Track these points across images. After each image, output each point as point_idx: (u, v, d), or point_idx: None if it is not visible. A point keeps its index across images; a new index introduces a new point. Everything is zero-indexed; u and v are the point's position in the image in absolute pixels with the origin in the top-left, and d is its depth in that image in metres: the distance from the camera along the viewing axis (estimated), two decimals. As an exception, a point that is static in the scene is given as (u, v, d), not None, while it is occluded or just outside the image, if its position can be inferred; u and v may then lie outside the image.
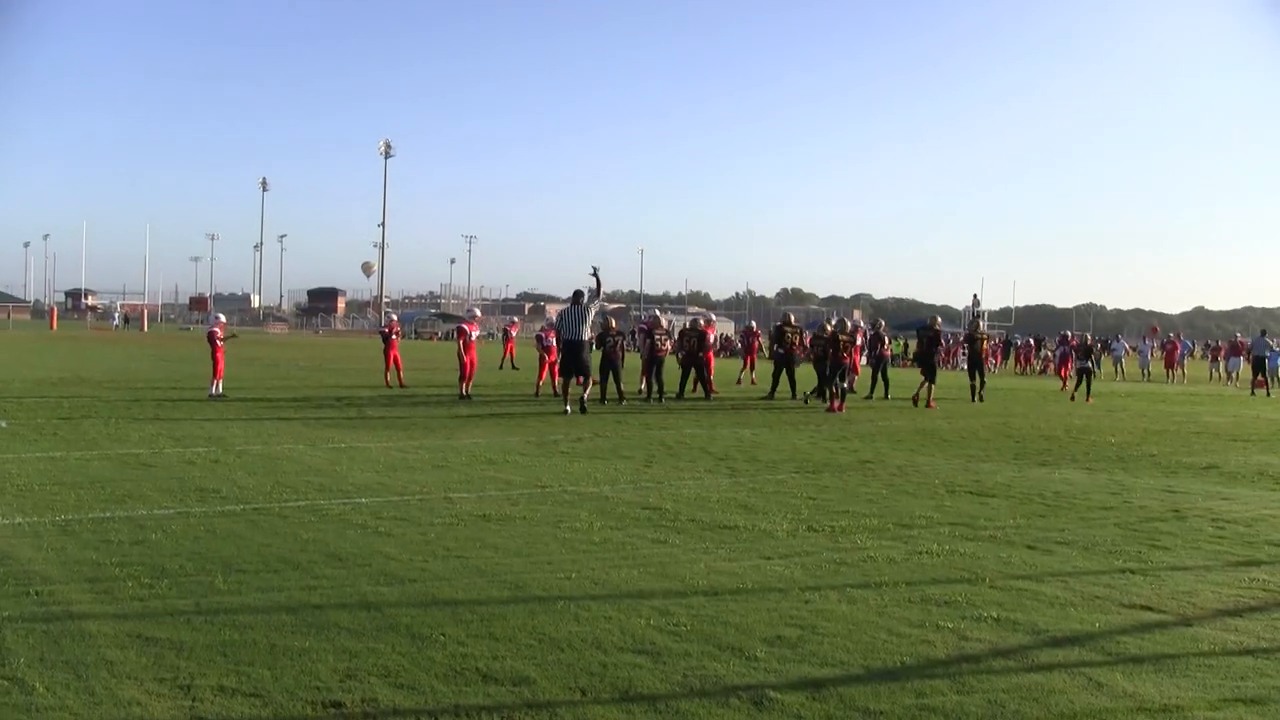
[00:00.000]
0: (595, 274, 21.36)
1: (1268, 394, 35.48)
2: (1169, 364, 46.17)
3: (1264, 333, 39.65)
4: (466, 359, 24.99)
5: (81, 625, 6.31)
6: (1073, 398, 30.21)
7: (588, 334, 21.15)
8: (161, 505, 10.15)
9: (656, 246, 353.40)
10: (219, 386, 23.18)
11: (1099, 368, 33.43)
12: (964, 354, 57.75)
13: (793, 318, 29.21)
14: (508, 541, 8.84)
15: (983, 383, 28.71)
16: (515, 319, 40.92)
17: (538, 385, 26.77)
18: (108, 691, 5.29)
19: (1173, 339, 48.89)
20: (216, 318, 25.83)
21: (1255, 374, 36.59)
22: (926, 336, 27.72)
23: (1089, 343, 33.87)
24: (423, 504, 10.56)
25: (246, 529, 9.11)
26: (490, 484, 11.99)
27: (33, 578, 7.32)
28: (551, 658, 5.93)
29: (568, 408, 20.69)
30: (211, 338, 23.79)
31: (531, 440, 16.37)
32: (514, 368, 36.47)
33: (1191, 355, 46.63)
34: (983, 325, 30.96)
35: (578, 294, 20.98)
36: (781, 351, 27.81)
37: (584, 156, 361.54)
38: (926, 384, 26.14)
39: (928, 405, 25.46)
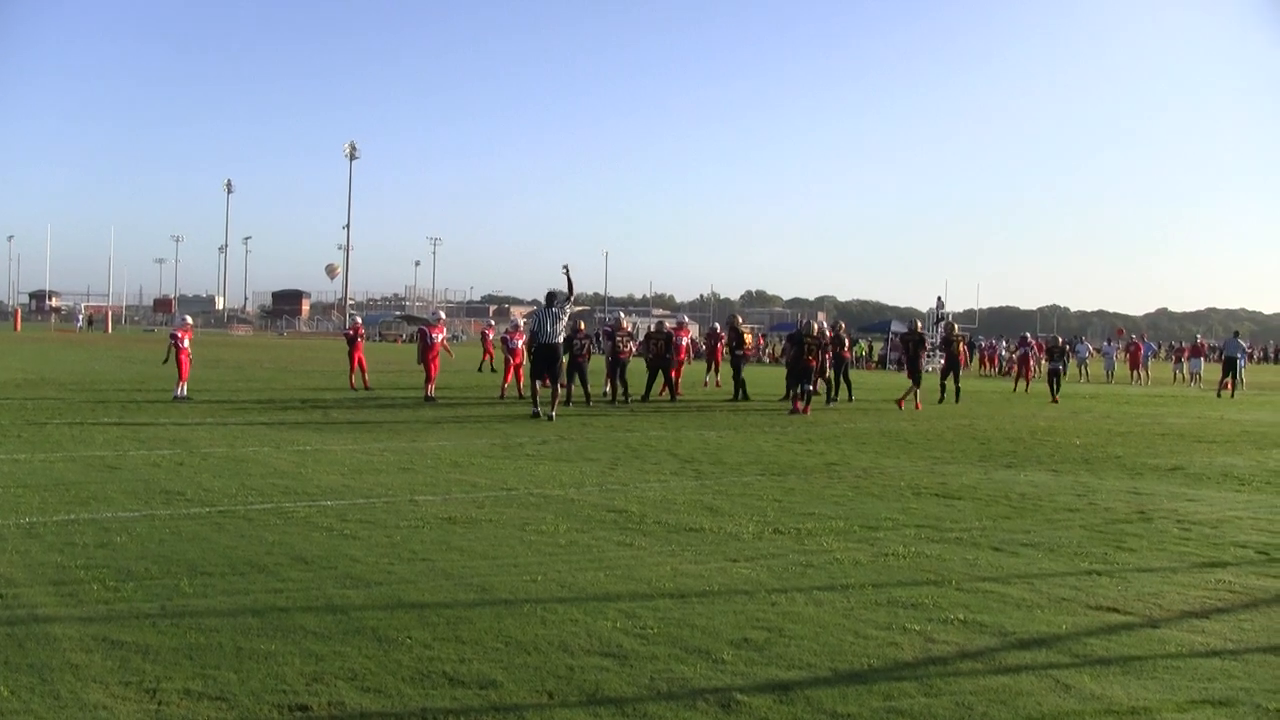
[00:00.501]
0: (566, 273, 20.71)
1: (1233, 395, 35.74)
2: (1133, 365, 46.47)
3: (1236, 334, 39.79)
4: (430, 362, 24.95)
5: (46, 629, 6.24)
6: (1055, 399, 30.54)
7: (562, 336, 20.83)
8: (127, 508, 10.05)
9: (621, 249, 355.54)
10: (184, 389, 23.00)
11: (1065, 369, 33.58)
12: (929, 356, 58.36)
13: (739, 320, 29.55)
14: (474, 544, 8.81)
15: (958, 385, 28.83)
16: (491, 322, 40.67)
17: (503, 388, 26.67)
18: (73, 695, 5.23)
19: (1136, 340, 49.21)
20: (184, 320, 25.66)
21: (1225, 374, 36.84)
22: (913, 340, 27.76)
23: (1060, 344, 34.06)
24: (388, 507, 10.51)
25: (212, 531, 9.04)
26: (456, 486, 11.94)
27: (-6, 581, 7.24)
28: (518, 661, 5.90)
29: (538, 409, 20.26)
30: (174, 339, 23.60)
31: (497, 443, 16.33)
32: (493, 370, 36.32)
33: (1155, 356, 46.88)
34: (957, 328, 30.81)
35: (551, 295, 20.62)
36: (740, 353, 27.98)
37: (548, 159, 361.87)
38: (913, 387, 26.35)
39: (915, 407, 25.70)
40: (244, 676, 5.54)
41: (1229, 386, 36.36)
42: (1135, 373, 46.03)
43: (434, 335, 25.47)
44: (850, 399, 27.98)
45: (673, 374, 26.68)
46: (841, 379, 28.30)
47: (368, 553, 8.36)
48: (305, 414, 20.50)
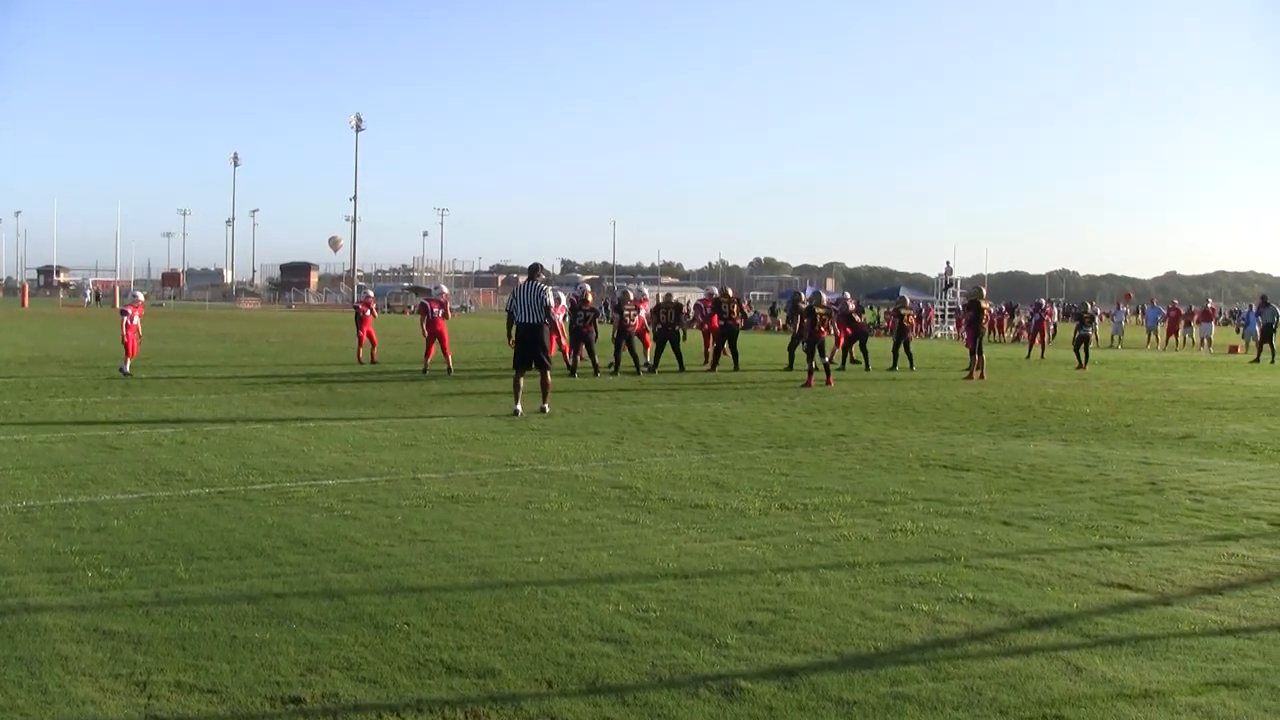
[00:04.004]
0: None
1: (1273, 360, 35.08)
2: (1172, 330, 45.90)
3: (1266, 299, 38.62)
4: (433, 334, 24.82)
5: (37, 619, 6.13)
6: (1081, 365, 30.08)
7: (545, 316, 17.09)
8: (125, 490, 9.95)
9: (629, 218, 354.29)
10: (129, 364, 22.86)
11: (1095, 335, 33.04)
12: (941, 321, 58.24)
13: (730, 291, 29.65)
14: (475, 524, 8.69)
15: (982, 355, 28.40)
16: (561, 296, 38.99)
17: (424, 365, 25.50)
18: (61, 689, 5.12)
19: (1175, 305, 48.67)
20: (134, 296, 25.60)
21: (1264, 340, 36.22)
22: (975, 310, 26.80)
23: (1089, 309, 33.37)
24: (390, 485, 10.40)
25: (210, 514, 8.93)
26: (459, 463, 11.84)
27: (-13, 569, 7.14)
28: (518, 647, 5.78)
29: (518, 406, 16.80)
30: (124, 314, 23.48)
31: (502, 417, 16.22)
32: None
33: (1163, 320, 46.37)
34: (984, 290, 29.37)
35: (534, 268, 17.67)
36: (723, 322, 27.88)
37: (555, 128, 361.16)
38: (982, 355, 26.16)
39: (979, 377, 25.59)
40: (237, 667, 5.43)
41: (1270, 352, 35.57)
42: (1173, 339, 45.60)
43: (435, 309, 25.29)
44: (867, 368, 28.23)
45: (706, 345, 27.46)
46: (903, 349, 29.02)
47: (368, 534, 8.25)
48: (310, 389, 20.41)
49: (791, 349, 27.63)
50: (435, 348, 24.98)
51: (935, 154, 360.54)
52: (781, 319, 57.99)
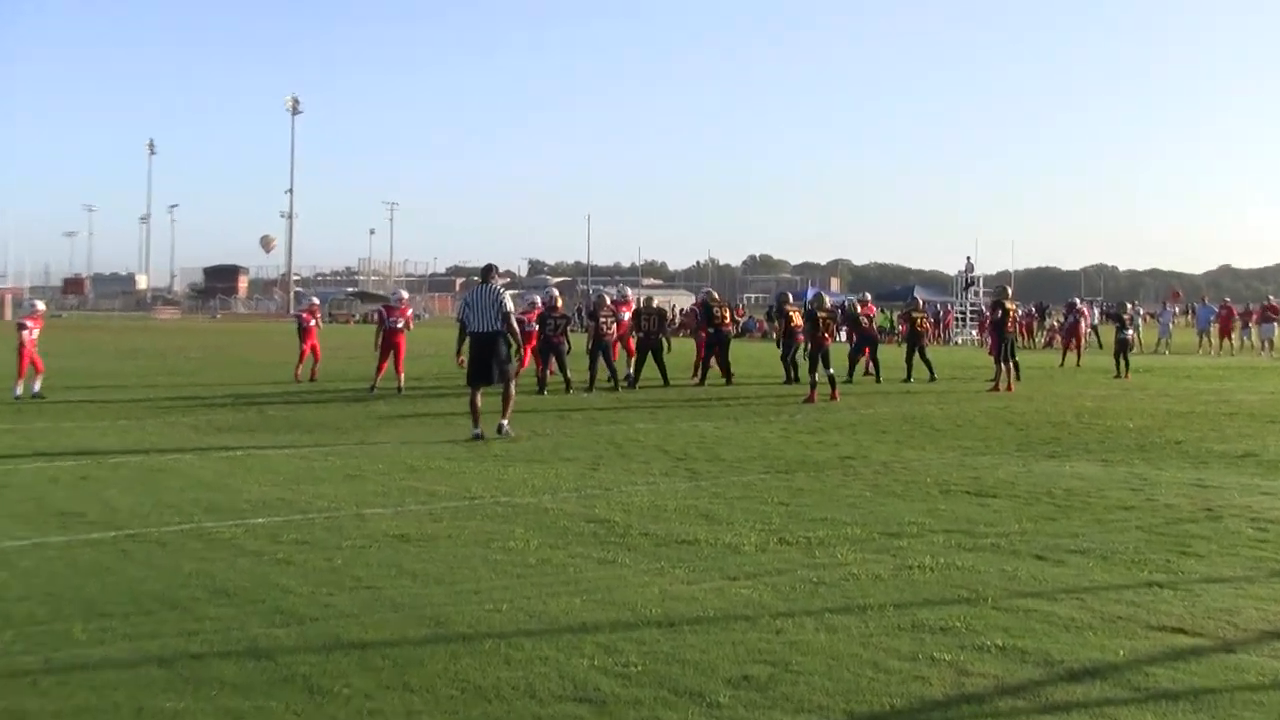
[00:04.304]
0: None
1: None
2: (1225, 332, 45.59)
3: None
4: (388, 348, 24.77)
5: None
6: (1120, 375, 29.80)
7: (501, 322, 16.70)
8: (13, 535, 9.80)
9: (606, 212, 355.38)
10: (33, 385, 22.70)
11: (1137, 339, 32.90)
12: (961, 325, 58.33)
13: (715, 294, 29.84)
14: (429, 567, 8.61)
15: (1016, 363, 28.33)
16: (536, 299, 38.25)
17: (373, 383, 25.22)
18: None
19: (1228, 304, 48.50)
20: (32, 306, 25.52)
21: None
22: (1002, 311, 26.64)
23: (1130, 308, 33.31)
24: (330, 523, 10.31)
25: (116, 561, 8.82)
26: (411, 496, 11.77)
27: None
28: (477, 712, 5.70)
29: (478, 430, 16.60)
30: (22, 328, 23.23)
31: (460, 442, 16.15)
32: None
33: (1215, 321, 46.27)
34: (1009, 289, 28.91)
35: (488, 270, 17.57)
36: (712, 330, 27.94)
37: (521, 112, 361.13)
38: (1008, 365, 26.06)
39: (1007, 389, 25.52)
40: (146, 742, 5.33)
41: None
42: (1226, 341, 45.38)
43: (394, 319, 25.23)
44: (878, 380, 28.29)
45: (700, 356, 27.93)
46: (919, 357, 28.82)
47: (303, 581, 8.16)
48: (238, 412, 20.33)
49: (786, 359, 27.73)
50: (388, 364, 24.94)
51: (953, 137, 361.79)
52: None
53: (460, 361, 16.87)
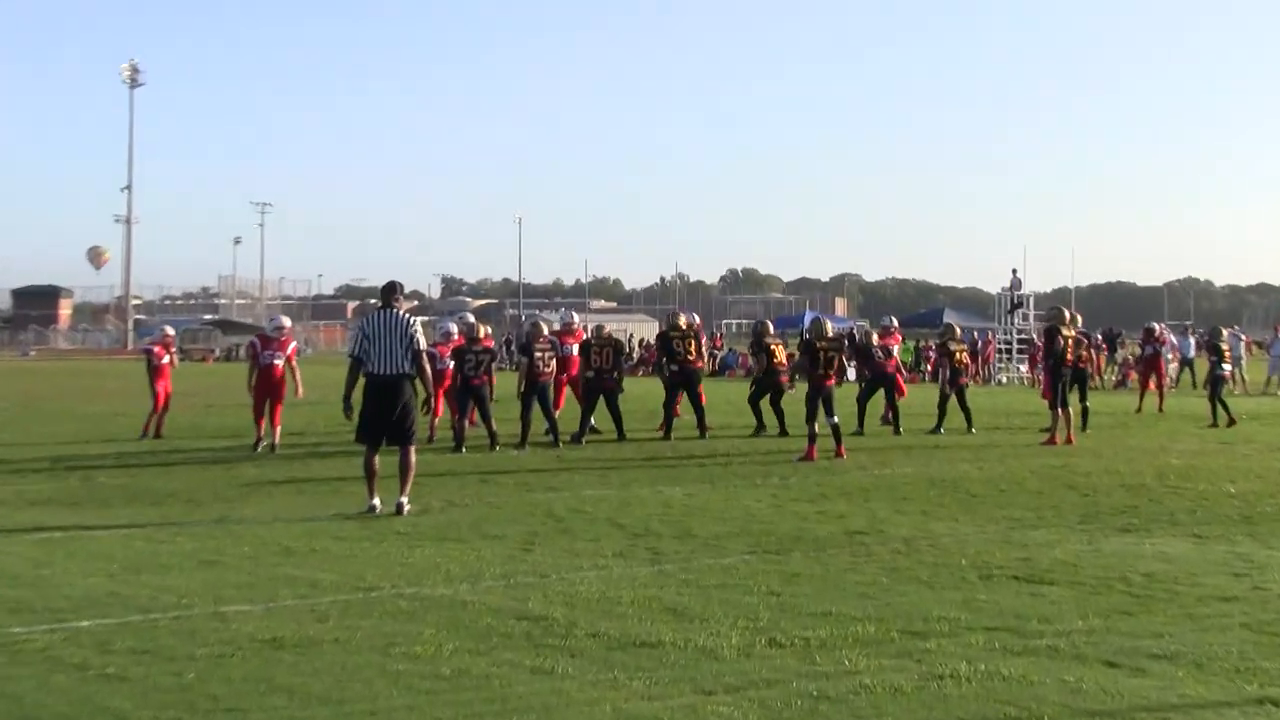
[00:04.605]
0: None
1: None
2: None
3: None
4: (267, 391, 24.69)
5: None
6: (1217, 423, 30.01)
7: (409, 361, 16.63)
8: None
9: (542, 215, 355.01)
10: None
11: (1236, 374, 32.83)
12: (1003, 362, 58.52)
13: (684, 317, 29.92)
14: (310, 681, 8.60)
15: (1085, 408, 28.60)
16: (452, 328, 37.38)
17: (256, 438, 25.36)
18: None
19: None
20: None
21: None
22: (1058, 339, 26.53)
23: (1226, 337, 32.89)
24: (179, 625, 10.28)
25: (-110, 681, 8.76)
26: (286, 587, 11.76)
27: None
28: None
29: (375, 500, 16.49)
30: None
31: (352, 516, 16.14)
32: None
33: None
34: (1067, 313, 28.42)
35: (391, 289, 17.16)
36: (675, 368, 27.86)
37: (434, 83, 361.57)
38: (1068, 410, 26.15)
39: (1068, 440, 25.63)
40: None
41: None
42: None
43: (271, 354, 25.14)
44: (897, 431, 28.50)
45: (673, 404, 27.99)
46: (955, 401, 28.90)
47: (142, 704, 8.12)
48: (56, 480, 20.30)
49: (756, 401, 28.24)
50: (268, 411, 24.93)
51: (992, 119, 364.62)
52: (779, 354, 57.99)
53: (350, 414, 16.61)
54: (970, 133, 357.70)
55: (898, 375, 31.18)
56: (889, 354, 30.70)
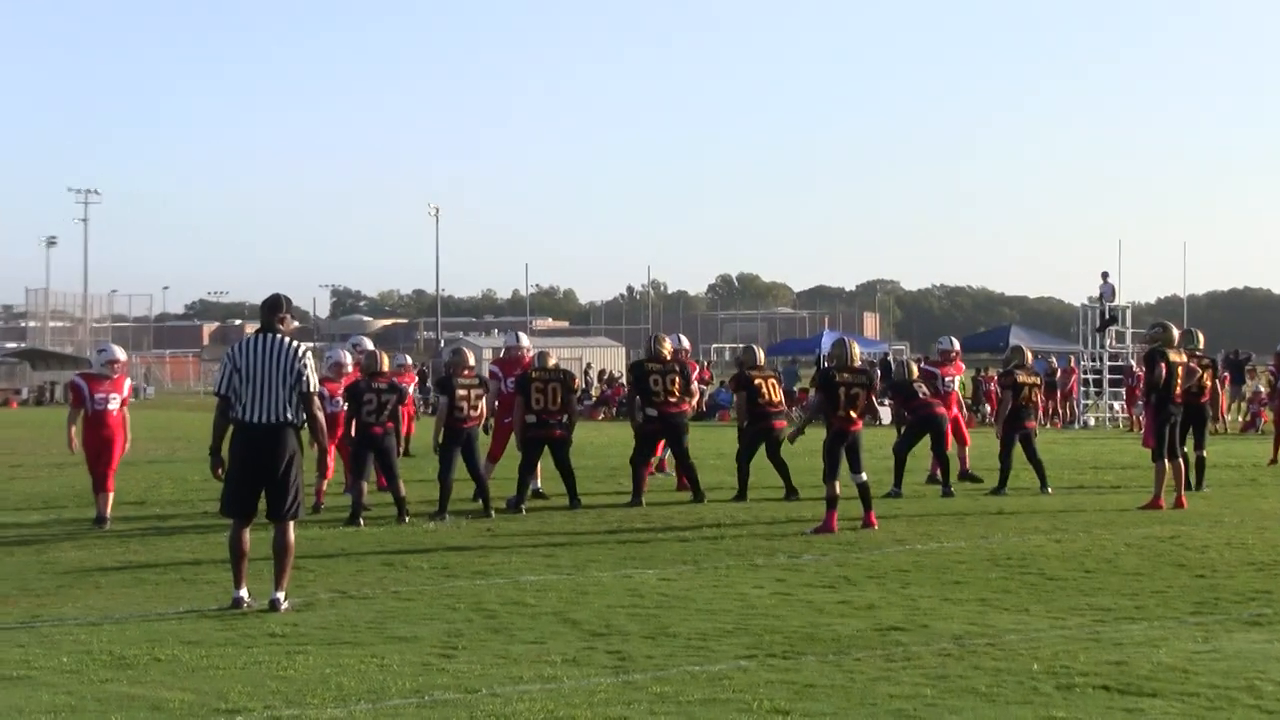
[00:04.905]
0: None
1: None
2: None
3: None
4: (100, 445, 24.60)
5: None
6: None
7: (294, 405, 16.47)
8: None
9: (466, 207, 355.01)
10: None
11: None
12: (1095, 392, 58.47)
13: (668, 344, 29.34)
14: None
15: (1201, 458, 28.86)
16: (406, 359, 37.42)
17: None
18: None
19: None
20: None
21: None
22: (1161, 363, 26.23)
23: None
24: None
25: None
26: (120, 711, 11.71)
27: None
28: None
29: (242, 592, 16.44)
30: None
31: (211, 612, 16.15)
32: (408, 454, 34.79)
33: None
34: (1176, 331, 27.77)
35: (274, 305, 16.91)
36: (652, 413, 27.67)
37: (313, 33, 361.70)
38: (1176, 461, 26.26)
39: (1176, 503, 25.71)
40: None
41: None
42: None
43: (105, 396, 24.97)
44: (947, 489, 28.68)
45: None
46: (1023, 451, 29.10)
47: None
48: None
49: (744, 459, 28.51)
50: (105, 468, 24.72)
51: (1074, 81, 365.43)
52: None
53: (219, 472, 16.51)
54: (1040, 91, 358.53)
55: (958, 417, 31.21)
56: (947, 388, 30.81)
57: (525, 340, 31.31)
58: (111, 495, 24.82)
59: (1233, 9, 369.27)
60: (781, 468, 27.74)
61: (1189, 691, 12.00)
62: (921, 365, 32.66)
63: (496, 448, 28.16)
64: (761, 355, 30.17)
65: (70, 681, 12.77)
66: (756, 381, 28.23)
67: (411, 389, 30.29)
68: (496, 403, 27.74)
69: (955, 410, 31.45)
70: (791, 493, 27.24)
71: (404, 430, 26.39)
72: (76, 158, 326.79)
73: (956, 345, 34.41)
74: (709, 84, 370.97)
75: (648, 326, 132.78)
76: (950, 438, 30.07)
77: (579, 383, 30.13)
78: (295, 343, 16.41)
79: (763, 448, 28.32)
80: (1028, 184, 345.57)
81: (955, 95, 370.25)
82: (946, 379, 31.43)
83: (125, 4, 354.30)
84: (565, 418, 26.82)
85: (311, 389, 16.31)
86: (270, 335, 16.30)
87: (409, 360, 25.76)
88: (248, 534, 16.43)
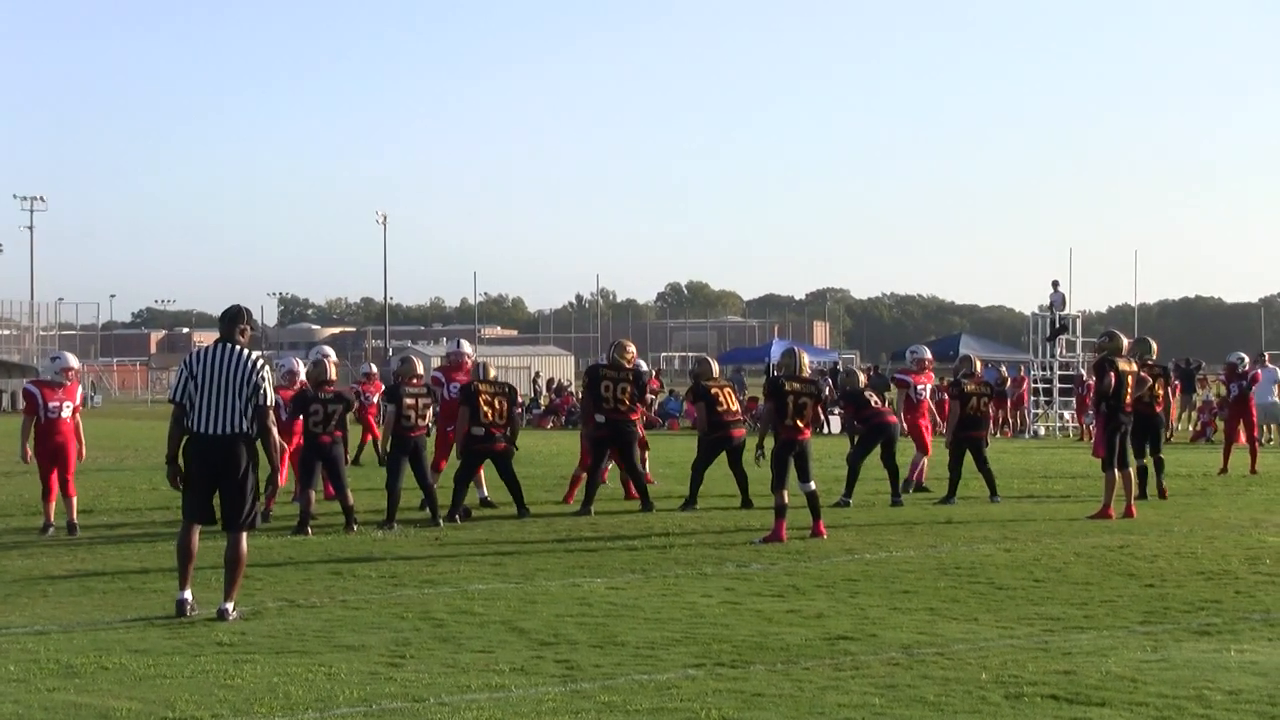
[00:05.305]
0: None
1: None
2: None
3: None
4: (52, 455, 24.49)
5: None
6: None
7: (249, 416, 16.38)
8: None
9: (415, 214, 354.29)
10: None
11: None
12: (1044, 401, 58.61)
13: (630, 348, 29.59)
14: None
15: (1158, 460, 29.10)
16: (372, 368, 37.54)
17: (45, 521, 25.05)
18: None
19: None
20: None
21: None
22: (1110, 370, 26.41)
23: None
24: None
25: None
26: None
27: None
28: None
29: (186, 594, 16.48)
30: None
31: (158, 620, 16.13)
32: (356, 463, 35.33)
33: None
34: (1124, 339, 27.77)
35: (233, 317, 16.69)
36: (602, 420, 27.61)
37: (265, 32, 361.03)
38: (1125, 471, 26.30)
39: (1126, 512, 25.78)
40: None
41: None
42: None
43: (58, 405, 24.82)
44: (897, 496, 28.86)
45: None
46: (973, 460, 29.30)
47: None
48: None
49: (700, 469, 28.35)
50: (58, 480, 24.64)
51: (1025, 89, 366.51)
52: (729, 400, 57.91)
53: (177, 481, 16.48)
54: (991, 99, 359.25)
55: (925, 425, 31.31)
56: (920, 396, 31.01)
57: (468, 347, 31.90)
58: (75, 499, 24.84)
59: (1184, 19, 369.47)
60: (741, 478, 27.74)
61: (1138, 701, 12.04)
62: (895, 375, 32.84)
63: (440, 456, 28.20)
64: (716, 367, 30.22)
65: (17, 690, 12.76)
66: (714, 391, 28.20)
67: (376, 399, 30.28)
68: (439, 409, 27.71)
69: (925, 419, 31.53)
70: (747, 503, 27.24)
71: (366, 438, 26.30)
72: (22, 165, 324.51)
73: (928, 354, 34.71)
74: (658, 92, 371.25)
75: (597, 335, 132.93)
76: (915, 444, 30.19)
77: (528, 391, 30.11)
78: (254, 355, 16.35)
79: (723, 456, 28.34)
80: (978, 192, 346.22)
81: (904, 104, 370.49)
82: (919, 387, 31.58)
83: (69, 10, 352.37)
84: (510, 430, 26.83)
85: (268, 402, 16.25)
86: (229, 345, 16.26)
87: (375, 369, 25.77)
88: (197, 534, 16.47)
